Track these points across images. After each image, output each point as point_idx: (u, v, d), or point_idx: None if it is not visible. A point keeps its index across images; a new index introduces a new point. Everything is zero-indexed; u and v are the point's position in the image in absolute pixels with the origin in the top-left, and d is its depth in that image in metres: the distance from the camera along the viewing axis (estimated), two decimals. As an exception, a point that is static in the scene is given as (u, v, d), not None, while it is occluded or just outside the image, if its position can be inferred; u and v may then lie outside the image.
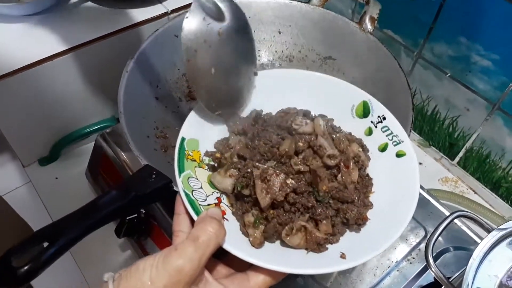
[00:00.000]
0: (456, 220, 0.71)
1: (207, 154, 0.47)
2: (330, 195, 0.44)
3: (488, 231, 0.48)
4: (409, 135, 0.60)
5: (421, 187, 0.75)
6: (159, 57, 0.70)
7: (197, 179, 0.44)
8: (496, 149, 0.79)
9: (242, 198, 0.44)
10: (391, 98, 0.67)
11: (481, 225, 0.49)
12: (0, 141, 0.81)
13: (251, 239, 0.41)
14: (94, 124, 0.85)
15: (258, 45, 0.78)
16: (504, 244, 0.47)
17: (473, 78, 0.76)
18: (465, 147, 0.84)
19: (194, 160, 0.45)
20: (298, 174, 0.44)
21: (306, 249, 0.42)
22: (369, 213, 0.45)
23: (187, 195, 0.41)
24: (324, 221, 0.43)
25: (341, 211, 0.44)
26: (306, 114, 0.51)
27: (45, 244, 0.41)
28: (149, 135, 0.64)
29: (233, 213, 0.44)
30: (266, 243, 0.42)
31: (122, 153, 0.70)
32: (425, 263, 0.67)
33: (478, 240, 0.69)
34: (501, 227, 0.47)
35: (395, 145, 0.48)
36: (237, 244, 0.39)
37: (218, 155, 0.47)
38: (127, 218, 0.65)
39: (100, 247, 0.73)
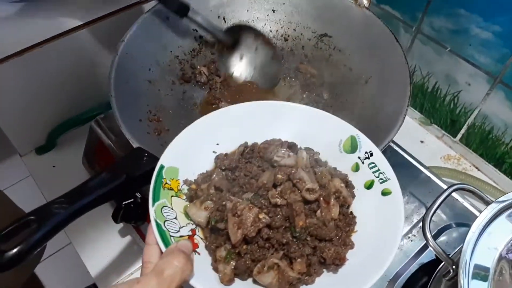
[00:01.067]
0: (458, 196, 0.70)
1: (186, 182, 0.46)
2: (307, 232, 0.42)
3: (488, 203, 0.47)
4: (406, 110, 0.59)
5: (422, 165, 0.74)
6: (150, 40, 0.69)
7: (172, 209, 0.43)
8: (499, 124, 0.77)
9: (216, 232, 0.43)
10: (389, 73, 0.66)
11: (480, 197, 0.47)
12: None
13: (220, 275, 0.40)
14: (89, 110, 0.84)
15: (252, 25, 0.76)
16: (503, 216, 0.45)
17: (474, 52, 0.74)
18: (467, 123, 0.82)
19: (172, 189, 0.44)
20: (274, 207, 0.43)
21: None
22: (350, 253, 0.43)
23: (158, 225, 0.39)
24: (298, 260, 0.41)
25: (318, 250, 0.42)
26: (291, 146, 0.50)
27: (34, 227, 0.41)
28: (142, 119, 0.63)
29: (206, 247, 0.43)
30: (237, 281, 0.41)
31: (117, 138, 0.69)
32: (425, 241, 0.66)
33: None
34: (501, 199, 0.46)
35: (381, 183, 0.47)
36: (205, 281, 0.38)
37: (194, 186, 0.46)
38: (123, 203, 0.65)
39: (100, 234, 0.73)
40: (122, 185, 0.47)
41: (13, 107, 0.77)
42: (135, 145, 0.54)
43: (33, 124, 0.81)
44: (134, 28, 0.66)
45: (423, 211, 0.69)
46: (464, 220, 0.70)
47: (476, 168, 0.86)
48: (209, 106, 0.72)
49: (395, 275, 0.62)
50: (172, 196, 0.44)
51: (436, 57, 0.81)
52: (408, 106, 0.60)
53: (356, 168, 0.49)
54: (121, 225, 0.73)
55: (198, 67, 0.73)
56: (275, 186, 0.44)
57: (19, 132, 0.80)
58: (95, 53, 0.78)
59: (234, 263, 0.40)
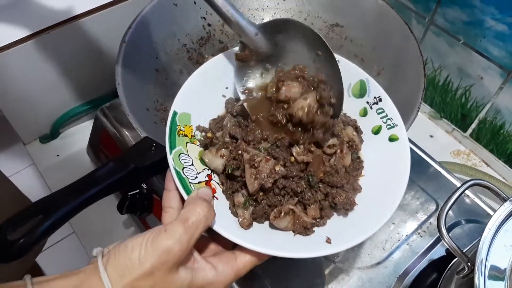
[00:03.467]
0: (468, 192, 0.69)
1: (199, 128, 0.46)
2: (320, 180, 0.43)
3: (504, 200, 0.46)
4: (420, 104, 0.58)
5: (433, 159, 0.72)
6: (158, 27, 0.67)
7: (188, 155, 0.43)
8: (511, 119, 0.76)
9: (233, 178, 0.44)
10: (402, 65, 0.64)
11: (497, 194, 0.46)
12: (2, 121, 0.80)
13: (240, 219, 0.41)
14: (94, 100, 0.83)
15: (261, 14, 0.74)
16: (521, 213, 0.44)
17: (488, 44, 0.73)
18: (478, 118, 0.81)
19: (186, 136, 0.44)
20: (291, 162, 0.43)
21: (293, 231, 0.42)
22: (358, 197, 0.44)
23: (177, 172, 0.40)
24: (312, 206, 0.43)
25: (330, 196, 0.43)
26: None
27: (41, 217, 0.40)
28: (149, 108, 0.62)
29: (223, 192, 0.44)
30: (255, 224, 0.42)
31: (123, 128, 0.68)
32: (436, 237, 0.65)
33: (491, 212, 0.67)
34: (519, 195, 0.44)
35: (388, 129, 0.47)
36: (226, 225, 0.39)
37: (209, 134, 0.46)
38: (129, 194, 0.64)
39: (103, 224, 0.73)
40: (130, 175, 0.46)
41: (17, 95, 0.75)
42: (142, 134, 0.53)
43: (37, 112, 0.80)
44: (141, 15, 0.64)
45: (433, 206, 0.68)
46: (474, 217, 0.69)
47: (486, 164, 0.85)
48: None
49: (404, 272, 0.61)
50: (187, 142, 0.44)
51: (448, 50, 0.79)
52: (422, 99, 0.58)
53: (364, 113, 0.49)
54: (125, 216, 0.72)
55: (206, 56, 0.72)
56: (296, 141, 0.44)
57: (23, 121, 0.79)
58: (101, 41, 0.77)
59: (252, 209, 0.42)
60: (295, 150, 0.44)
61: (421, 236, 0.65)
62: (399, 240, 0.64)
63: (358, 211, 0.43)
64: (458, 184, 0.70)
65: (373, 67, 0.68)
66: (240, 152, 0.42)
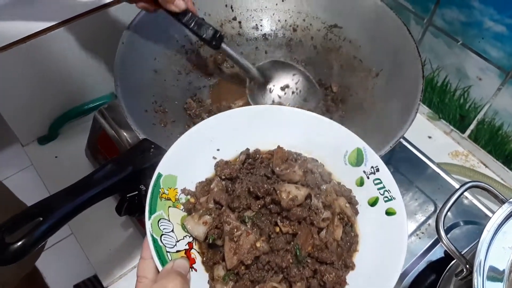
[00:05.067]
0: (467, 194, 0.69)
1: (184, 191, 0.44)
2: (308, 254, 0.41)
3: (503, 202, 0.46)
4: (419, 105, 0.58)
5: (431, 160, 0.73)
6: (156, 29, 0.67)
7: (169, 220, 0.41)
8: (509, 120, 0.76)
9: (214, 247, 0.41)
10: (400, 66, 0.65)
11: (495, 196, 0.46)
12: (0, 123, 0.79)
13: None
14: (92, 101, 0.83)
15: (260, 14, 0.74)
16: (520, 215, 0.44)
17: (486, 45, 0.73)
18: (476, 119, 0.81)
19: (169, 199, 0.42)
20: (277, 233, 0.41)
21: None
22: (350, 275, 0.41)
23: (154, 240, 0.38)
24: (298, 283, 0.40)
25: (318, 273, 0.40)
26: (296, 159, 0.47)
27: (39, 220, 0.39)
28: (148, 109, 0.62)
29: (203, 262, 0.41)
30: None
31: (121, 129, 0.67)
32: (434, 238, 0.65)
33: (489, 214, 0.67)
34: (517, 197, 0.44)
35: (386, 201, 0.44)
36: None
37: (192, 200, 0.43)
38: (127, 195, 0.63)
39: (102, 226, 0.72)
40: (129, 177, 0.45)
41: (16, 95, 0.75)
42: (141, 136, 0.53)
43: (36, 113, 0.79)
44: (140, 16, 0.64)
45: (431, 208, 0.68)
46: (472, 218, 0.69)
47: (484, 165, 0.85)
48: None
49: (402, 273, 0.61)
50: (170, 206, 0.42)
51: (447, 51, 0.79)
52: (420, 100, 0.58)
53: (361, 183, 0.47)
54: (123, 218, 0.72)
55: (205, 57, 0.72)
56: (276, 203, 0.42)
57: (21, 122, 0.79)
58: (100, 42, 0.77)
59: (232, 284, 0.39)
60: (279, 221, 0.41)
61: (419, 238, 0.65)
62: (397, 242, 0.64)
63: None
64: (457, 186, 0.70)
65: (372, 68, 0.68)
66: (222, 220, 0.40)
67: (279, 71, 0.70)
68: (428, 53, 0.83)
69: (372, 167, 0.46)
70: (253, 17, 0.75)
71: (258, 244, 0.39)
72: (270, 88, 0.70)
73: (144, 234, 0.70)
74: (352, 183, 0.47)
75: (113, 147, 0.68)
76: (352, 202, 0.45)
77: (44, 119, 0.81)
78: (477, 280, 0.41)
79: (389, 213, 0.44)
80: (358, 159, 0.47)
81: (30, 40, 0.69)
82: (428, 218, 0.67)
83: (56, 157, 0.81)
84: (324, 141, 0.48)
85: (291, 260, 0.40)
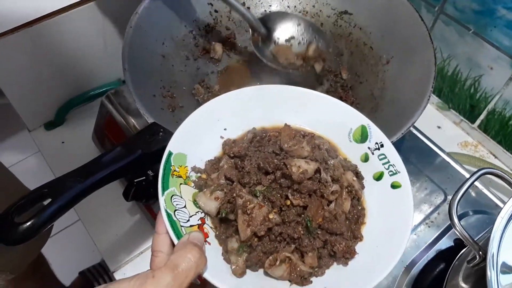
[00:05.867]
0: (476, 183, 0.68)
1: (194, 169, 0.44)
2: (318, 226, 0.42)
3: (517, 189, 0.45)
4: (431, 91, 0.57)
5: (441, 149, 0.72)
6: (164, 13, 0.66)
7: (181, 197, 0.41)
8: (520, 110, 0.75)
9: (227, 222, 0.42)
10: (412, 53, 0.64)
11: (509, 183, 0.45)
12: (7, 108, 0.79)
13: (233, 267, 0.39)
14: (99, 87, 0.82)
15: (269, 0, 0.73)
16: (534, 202, 0.43)
17: (498, 34, 0.71)
18: (486, 109, 0.80)
19: (180, 177, 0.43)
20: (288, 206, 0.42)
21: (290, 280, 0.40)
22: (359, 246, 0.43)
23: (168, 215, 0.38)
24: (310, 253, 0.41)
25: (328, 243, 0.41)
26: (304, 135, 0.48)
27: (48, 201, 0.39)
28: (156, 94, 0.61)
29: (216, 236, 0.42)
30: (248, 272, 0.40)
31: (128, 114, 0.67)
32: (444, 228, 0.65)
33: (499, 203, 0.67)
34: (531, 185, 0.44)
35: (391, 175, 0.45)
36: (218, 273, 0.38)
37: (204, 176, 0.44)
38: (135, 181, 0.63)
39: (109, 212, 0.72)
40: (138, 160, 0.45)
41: (22, 81, 0.75)
42: (149, 120, 0.52)
43: (43, 99, 0.79)
44: (148, 0, 0.63)
45: (441, 197, 0.67)
46: (481, 208, 0.68)
47: (494, 155, 0.84)
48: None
49: (411, 262, 0.61)
50: (181, 183, 0.42)
51: (458, 39, 0.78)
52: (432, 87, 0.57)
53: (365, 159, 0.48)
54: (130, 203, 0.72)
55: (213, 43, 0.71)
56: (287, 177, 0.42)
57: (28, 107, 0.79)
58: (107, 27, 0.76)
59: (246, 255, 0.40)
60: (290, 193, 0.42)
61: (428, 227, 0.65)
62: (406, 230, 0.64)
63: (359, 260, 0.42)
64: (467, 175, 0.69)
65: (382, 55, 0.68)
66: (234, 194, 0.41)
67: (283, 22, 0.68)
68: (439, 41, 0.82)
69: (376, 143, 0.47)
70: (262, 3, 0.74)
71: (270, 216, 0.40)
72: (275, 41, 0.68)
73: (150, 219, 0.70)
74: (357, 159, 0.48)
75: (120, 132, 0.68)
76: (359, 177, 0.47)
77: (51, 105, 0.81)
78: (490, 267, 0.41)
79: (394, 186, 0.45)
80: (362, 136, 0.48)
81: (37, 23, 0.69)
82: (438, 207, 0.66)
83: (63, 142, 0.80)
84: (329, 119, 0.49)
85: (302, 231, 0.41)
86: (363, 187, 0.46)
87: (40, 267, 1.01)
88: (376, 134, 0.48)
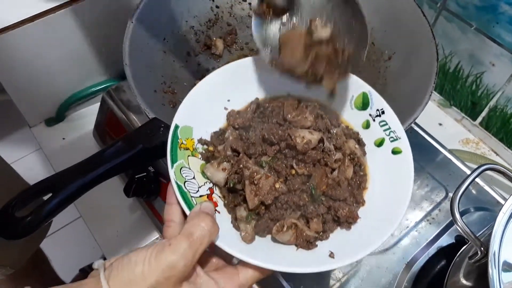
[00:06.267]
0: (478, 180, 0.68)
1: (201, 141, 0.46)
2: (322, 192, 0.43)
3: (519, 185, 0.45)
4: (433, 87, 0.57)
5: (443, 146, 0.72)
6: (165, 8, 0.66)
7: (189, 169, 0.43)
8: (522, 107, 0.75)
9: (234, 192, 0.43)
10: (414, 49, 0.63)
11: (511, 179, 0.45)
12: (8, 105, 0.79)
13: (242, 234, 0.41)
14: (100, 83, 0.82)
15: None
16: (536, 198, 0.43)
17: (501, 30, 0.71)
18: (488, 106, 0.80)
19: (187, 149, 0.44)
20: (293, 175, 0.43)
21: (296, 245, 0.42)
22: (361, 211, 0.44)
23: (179, 186, 0.40)
24: (315, 219, 0.42)
25: (332, 209, 0.43)
26: (307, 106, 0.48)
27: (49, 195, 0.39)
28: (156, 90, 0.61)
29: (225, 205, 0.43)
30: (257, 238, 0.42)
31: (129, 110, 0.67)
32: (445, 224, 0.64)
33: (501, 200, 0.67)
34: (534, 181, 0.44)
35: (391, 141, 0.46)
36: (229, 240, 0.39)
37: (211, 148, 0.45)
38: (136, 176, 0.63)
39: (110, 209, 0.72)
40: (138, 155, 0.45)
41: (24, 77, 0.75)
42: (150, 115, 0.52)
43: (43, 95, 0.79)
44: (149, -5, 0.63)
45: (442, 193, 0.67)
46: (482, 205, 0.68)
47: (495, 153, 0.84)
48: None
49: (412, 258, 0.61)
50: (189, 156, 0.44)
51: (460, 35, 0.78)
52: (434, 83, 0.57)
53: (367, 125, 0.48)
54: (131, 200, 0.72)
55: (214, 38, 0.71)
56: (291, 148, 0.43)
57: (29, 103, 0.79)
58: (109, 22, 0.76)
59: (254, 222, 0.42)
60: (294, 163, 0.43)
61: (430, 223, 0.64)
62: (407, 227, 0.64)
63: (361, 224, 0.43)
64: (468, 172, 0.69)
65: (384, 51, 0.67)
66: (241, 165, 0.42)
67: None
68: (441, 38, 0.81)
69: (377, 109, 0.48)
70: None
71: (277, 186, 0.41)
72: (293, 22, 0.47)
73: (151, 215, 0.70)
74: (359, 126, 0.49)
75: (121, 128, 0.68)
76: (361, 144, 0.48)
77: (51, 101, 0.81)
78: (492, 262, 0.40)
79: (395, 152, 0.46)
80: (364, 103, 0.49)
81: (37, 20, 0.69)
82: (439, 204, 0.66)
83: (63, 138, 0.80)
84: None
85: (307, 199, 0.42)
86: (364, 153, 0.47)
87: (41, 264, 1.01)
88: (377, 101, 0.48)
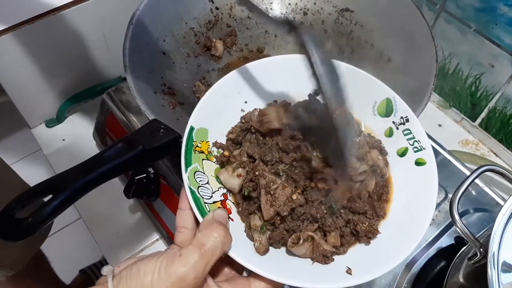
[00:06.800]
0: (477, 181, 0.68)
1: (216, 145, 0.44)
2: (341, 205, 0.42)
3: (518, 186, 0.45)
4: (433, 89, 0.57)
5: (442, 147, 0.72)
6: (165, 10, 0.66)
7: (204, 173, 0.41)
8: (522, 108, 0.75)
9: (249, 199, 0.42)
10: (413, 51, 0.64)
11: (510, 180, 0.45)
12: (8, 106, 0.79)
13: (256, 244, 0.40)
14: (100, 84, 0.82)
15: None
16: (535, 199, 0.43)
17: (500, 32, 0.71)
18: (487, 107, 0.80)
19: (202, 152, 0.43)
20: (312, 187, 0.41)
21: (312, 259, 0.40)
22: (382, 224, 0.42)
23: (192, 192, 0.39)
24: (332, 233, 0.40)
25: (351, 222, 0.41)
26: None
27: (49, 197, 0.39)
28: (156, 91, 0.61)
29: (239, 212, 0.42)
30: (271, 249, 0.40)
31: (129, 112, 0.67)
32: (444, 226, 0.64)
33: (500, 201, 0.67)
34: (533, 182, 0.44)
35: (415, 152, 0.44)
36: (242, 251, 0.38)
37: (226, 153, 0.44)
38: (136, 178, 0.63)
39: (110, 210, 0.72)
40: (139, 156, 0.45)
41: (23, 78, 0.75)
42: (150, 117, 0.52)
43: (43, 96, 0.79)
44: (149, -4, 0.63)
45: (442, 194, 0.67)
46: (482, 206, 0.68)
47: (494, 154, 0.84)
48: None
49: (411, 260, 0.61)
50: (203, 159, 0.42)
51: (459, 37, 0.78)
52: (434, 84, 0.57)
53: (390, 133, 0.46)
54: (131, 201, 0.72)
55: (214, 40, 0.71)
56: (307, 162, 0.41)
57: (29, 105, 0.79)
58: (108, 24, 0.76)
59: (269, 233, 0.40)
60: (316, 177, 0.41)
61: (429, 224, 0.64)
62: (407, 228, 0.63)
63: (381, 239, 0.41)
64: (468, 173, 0.69)
65: (384, 52, 0.67)
66: (256, 173, 0.41)
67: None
68: (440, 39, 0.81)
69: (401, 117, 0.46)
70: (263, 0, 0.74)
71: (294, 197, 0.40)
72: None
73: (151, 217, 0.70)
74: (381, 134, 0.46)
75: (121, 129, 0.68)
76: (382, 153, 0.45)
77: (52, 102, 0.81)
78: (491, 263, 0.40)
79: (418, 163, 0.43)
80: (387, 110, 0.46)
81: (38, 20, 0.69)
82: (438, 205, 0.66)
83: (63, 139, 0.80)
84: (353, 91, 0.46)
85: (325, 211, 0.40)
86: (387, 163, 0.45)
87: (41, 265, 1.01)
88: (401, 108, 0.46)
